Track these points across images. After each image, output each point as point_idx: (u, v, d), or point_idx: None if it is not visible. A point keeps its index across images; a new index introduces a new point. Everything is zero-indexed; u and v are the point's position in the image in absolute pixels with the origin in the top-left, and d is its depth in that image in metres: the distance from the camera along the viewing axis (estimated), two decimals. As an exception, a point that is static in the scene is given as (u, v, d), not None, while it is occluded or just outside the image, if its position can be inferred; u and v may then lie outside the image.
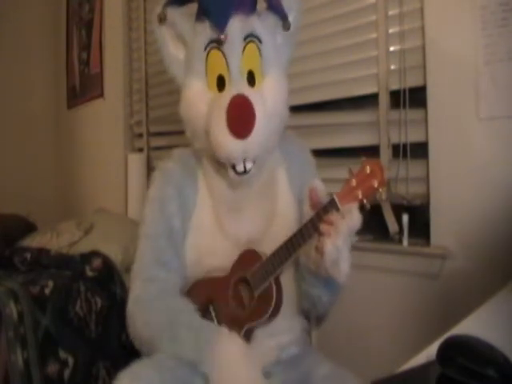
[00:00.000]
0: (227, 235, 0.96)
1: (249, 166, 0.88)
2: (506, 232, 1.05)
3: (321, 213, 0.81)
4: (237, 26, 0.89)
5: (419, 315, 1.21)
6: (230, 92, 0.86)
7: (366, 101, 1.39)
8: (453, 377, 0.50)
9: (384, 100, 1.32)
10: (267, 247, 0.90)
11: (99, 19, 2.56)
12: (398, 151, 1.29)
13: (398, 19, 1.29)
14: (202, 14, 0.92)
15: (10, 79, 2.80)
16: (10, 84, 2.81)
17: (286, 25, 0.95)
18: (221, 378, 0.80)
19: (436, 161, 1.19)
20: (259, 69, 0.92)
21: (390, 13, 1.31)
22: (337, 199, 0.80)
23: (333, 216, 0.80)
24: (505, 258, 1.03)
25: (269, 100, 0.89)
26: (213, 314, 0.94)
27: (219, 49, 0.89)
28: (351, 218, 0.79)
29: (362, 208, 0.80)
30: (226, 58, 0.89)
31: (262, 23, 0.93)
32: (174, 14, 0.93)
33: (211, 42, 0.90)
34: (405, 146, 1.28)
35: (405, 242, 1.26)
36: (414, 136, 1.26)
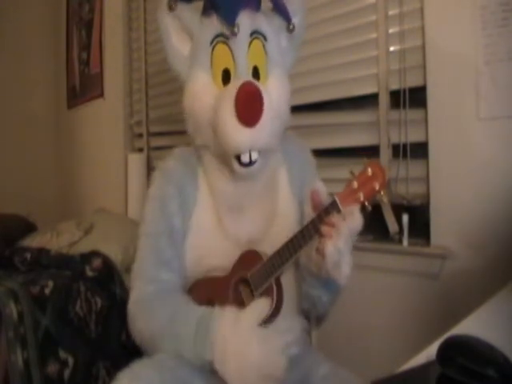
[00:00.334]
0: (227, 235, 0.96)
1: (254, 156, 0.87)
2: (506, 232, 1.05)
3: (322, 214, 0.81)
4: (245, 22, 0.90)
5: (419, 315, 1.21)
6: (238, 82, 0.86)
7: (366, 101, 1.39)
8: (453, 377, 0.50)
9: (384, 100, 1.32)
10: (267, 247, 0.90)
11: (99, 19, 2.56)
12: (398, 151, 1.29)
13: (398, 19, 1.29)
14: (210, 8, 0.92)
15: (10, 79, 2.80)
16: (10, 84, 2.81)
17: (290, 27, 0.95)
18: (227, 362, 0.78)
19: (436, 161, 1.19)
20: (264, 66, 0.93)
21: (390, 13, 1.31)
22: (338, 201, 0.80)
23: (334, 218, 0.80)
24: (505, 258, 1.03)
25: (273, 97, 0.89)
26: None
27: (225, 43, 0.90)
28: (353, 220, 0.79)
29: (363, 210, 0.80)
30: (232, 52, 0.90)
31: (268, 22, 0.95)
32: (182, 6, 0.93)
33: (218, 35, 0.90)
34: (405, 145, 1.28)
35: (405, 242, 1.26)
36: (413, 136, 1.26)
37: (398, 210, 1.28)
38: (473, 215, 1.12)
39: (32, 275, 1.57)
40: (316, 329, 1.14)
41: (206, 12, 0.94)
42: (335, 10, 1.44)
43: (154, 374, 0.80)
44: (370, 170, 0.80)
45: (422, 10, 1.22)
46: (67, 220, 2.17)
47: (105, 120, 2.55)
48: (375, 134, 1.34)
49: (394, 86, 1.30)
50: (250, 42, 0.91)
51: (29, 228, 2.28)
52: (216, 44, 0.91)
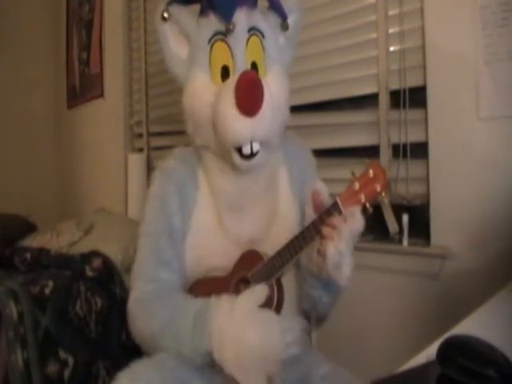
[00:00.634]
0: (228, 235, 0.96)
1: (256, 147, 0.87)
2: (506, 232, 1.05)
3: (323, 216, 0.81)
4: (242, 19, 0.90)
5: (419, 315, 1.21)
6: (237, 75, 0.86)
7: (366, 101, 1.39)
8: (453, 377, 0.50)
9: (384, 100, 1.32)
10: (268, 247, 0.90)
11: (99, 19, 2.56)
12: (398, 151, 1.29)
13: (398, 19, 1.29)
14: (207, 8, 0.93)
15: (10, 79, 2.80)
16: (10, 84, 2.80)
17: (284, 25, 0.96)
18: (224, 349, 0.77)
19: (436, 161, 1.19)
20: (262, 62, 0.94)
21: (390, 13, 1.31)
22: (339, 202, 0.80)
23: (335, 219, 0.80)
24: (505, 258, 1.03)
25: (273, 92, 0.89)
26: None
27: (224, 40, 0.91)
28: (354, 222, 0.79)
29: (364, 211, 0.80)
30: (230, 49, 0.91)
31: (265, 19, 0.95)
32: (177, 10, 0.93)
33: (216, 34, 0.91)
34: (405, 145, 1.28)
35: (405, 242, 1.26)
36: (413, 136, 1.26)
37: (398, 210, 1.28)
38: (473, 215, 1.12)
39: (32, 275, 1.57)
40: (316, 329, 1.14)
41: (203, 12, 0.94)
42: (335, 9, 1.44)
43: (153, 373, 0.80)
44: (371, 171, 0.80)
45: (422, 10, 1.22)
46: (67, 220, 2.17)
47: (105, 120, 2.55)
48: (375, 134, 1.34)
49: (394, 86, 1.30)
50: (248, 39, 0.91)
51: (29, 228, 2.28)
52: (214, 42, 0.91)
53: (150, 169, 2.22)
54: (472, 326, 0.66)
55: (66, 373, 1.42)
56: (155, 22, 0.94)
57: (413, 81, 1.26)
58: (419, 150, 1.25)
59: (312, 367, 0.91)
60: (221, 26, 0.90)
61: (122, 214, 2.27)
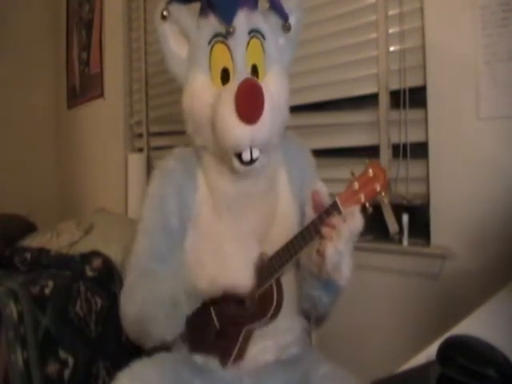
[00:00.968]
0: (227, 236, 0.96)
1: (256, 153, 0.87)
2: (506, 232, 1.05)
3: (323, 215, 0.82)
4: (242, 20, 0.90)
5: (419, 315, 1.21)
6: (237, 80, 0.86)
7: (366, 101, 1.39)
8: (453, 377, 0.50)
9: (384, 100, 1.32)
10: (268, 248, 0.90)
11: (99, 19, 2.56)
12: (398, 151, 1.29)
13: (398, 19, 1.29)
14: (207, 8, 0.92)
15: (10, 79, 2.80)
16: (11, 84, 2.80)
17: (286, 26, 0.96)
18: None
19: (436, 161, 1.19)
20: (262, 64, 0.93)
21: (390, 13, 1.31)
22: (339, 202, 0.80)
23: (335, 219, 0.80)
24: (505, 258, 1.03)
25: (273, 93, 0.88)
26: (213, 315, 0.94)
27: (224, 42, 0.90)
28: (353, 222, 0.79)
29: (364, 211, 0.80)
30: (230, 51, 0.90)
31: (265, 21, 0.95)
32: (177, 9, 0.93)
33: (216, 35, 0.90)
34: (405, 145, 1.28)
35: (405, 242, 1.26)
36: (413, 136, 1.26)
37: (398, 209, 1.28)
38: (473, 215, 1.12)
39: (32, 275, 1.57)
40: (316, 329, 1.14)
41: (203, 12, 0.94)
42: (335, 9, 1.44)
43: (153, 373, 0.80)
44: (370, 170, 0.80)
45: (422, 10, 1.22)
46: (67, 220, 2.17)
47: (105, 120, 2.55)
48: (375, 134, 1.34)
49: (394, 86, 1.30)
50: (249, 41, 0.91)
51: (29, 228, 2.28)
52: (214, 44, 0.91)
53: (150, 169, 2.21)
54: (472, 325, 0.66)
55: (66, 373, 1.42)
56: (155, 21, 0.94)
57: (413, 81, 1.26)
58: (419, 150, 1.25)
59: (312, 367, 0.91)
60: (221, 28, 0.89)
61: (122, 214, 2.27)
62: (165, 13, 0.91)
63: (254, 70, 0.93)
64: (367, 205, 0.80)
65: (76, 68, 2.85)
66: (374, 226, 1.32)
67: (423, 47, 1.22)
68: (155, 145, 2.27)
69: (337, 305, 0.99)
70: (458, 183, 1.15)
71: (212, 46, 0.91)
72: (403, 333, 1.24)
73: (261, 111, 0.83)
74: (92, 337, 1.53)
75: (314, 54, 1.49)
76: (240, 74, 0.89)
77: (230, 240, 0.90)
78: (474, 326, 0.66)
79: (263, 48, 0.93)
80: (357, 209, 0.80)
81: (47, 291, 1.46)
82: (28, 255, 1.77)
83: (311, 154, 1.08)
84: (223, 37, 0.90)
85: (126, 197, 2.26)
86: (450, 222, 1.17)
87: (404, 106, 1.27)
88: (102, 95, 2.55)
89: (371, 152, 1.34)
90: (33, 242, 1.99)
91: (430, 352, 0.56)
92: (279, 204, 0.99)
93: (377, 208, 1.26)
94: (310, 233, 0.83)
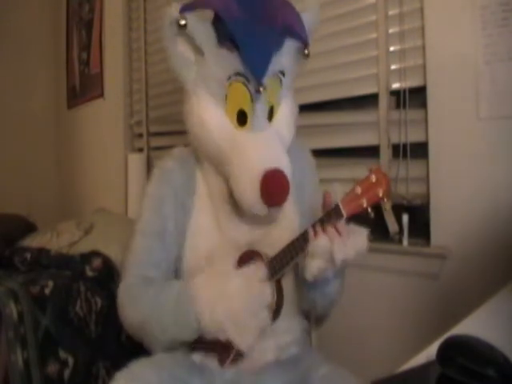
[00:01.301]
0: (226, 237, 0.95)
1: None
2: (506, 232, 1.05)
3: (324, 218, 0.82)
4: (270, 70, 0.85)
5: (419, 315, 1.21)
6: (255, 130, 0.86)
7: (366, 101, 1.39)
8: (453, 377, 0.50)
9: (384, 100, 1.32)
10: (267, 250, 0.90)
11: (99, 19, 2.56)
12: (398, 151, 1.29)
13: (398, 19, 1.29)
14: (234, 48, 0.84)
15: (10, 79, 2.80)
16: (10, 84, 2.81)
17: (305, 55, 0.93)
18: (214, 311, 0.81)
19: (436, 161, 1.19)
20: (277, 101, 0.92)
21: (390, 13, 1.31)
22: (341, 206, 0.81)
23: (330, 229, 0.80)
24: (505, 258, 1.03)
25: (285, 133, 0.92)
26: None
27: (245, 84, 0.86)
28: (356, 242, 0.80)
29: (366, 216, 0.81)
30: (251, 95, 0.87)
31: (288, 56, 0.91)
32: (194, 20, 0.85)
33: (238, 74, 0.85)
34: (405, 146, 1.28)
35: (405, 242, 1.26)
36: (413, 136, 1.26)
37: (398, 210, 1.28)
38: (473, 215, 1.12)
39: (32, 275, 1.57)
40: (316, 329, 1.14)
41: (225, 43, 0.85)
42: (335, 10, 1.44)
43: (151, 373, 0.80)
44: (373, 176, 0.80)
45: (421, 10, 1.22)
46: (67, 220, 2.17)
47: (105, 120, 2.55)
48: (375, 134, 1.34)
49: (394, 86, 1.30)
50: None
51: (29, 228, 2.27)
52: (233, 81, 0.86)
53: (150, 169, 2.21)
54: (472, 325, 0.66)
55: (66, 373, 1.42)
56: (164, 27, 0.86)
57: (413, 81, 1.26)
58: (419, 150, 1.25)
59: (312, 367, 0.91)
60: (245, 70, 0.84)
61: (122, 214, 2.27)
62: (182, 22, 0.83)
63: (271, 111, 0.91)
64: (369, 210, 0.80)
65: (76, 68, 2.85)
66: (374, 226, 1.32)
67: (423, 47, 1.22)
68: (155, 145, 2.27)
69: (337, 305, 0.99)
70: (457, 183, 1.15)
71: (231, 83, 0.87)
72: (403, 333, 1.24)
73: (283, 202, 0.85)
74: (92, 337, 1.53)
75: (314, 54, 1.47)
76: (257, 119, 0.88)
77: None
78: (474, 326, 0.66)
79: (281, 83, 0.92)
80: (364, 232, 0.81)
81: (47, 291, 1.46)
82: (28, 255, 1.77)
83: (311, 154, 1.08)
84: (245, 79, 0.85)
85: (126, 197, 2.27)
86: (450, 222, 1.17)
87: (404, 106, 1.27)
88: (101, 95, 2.55)
89: (371, 152, 1.34)
90: (33, 242, 1.99)
91: (430, 352, 0.56)
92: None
93: (377, 208, 1.26)
94: (310, 235, 0.83)
